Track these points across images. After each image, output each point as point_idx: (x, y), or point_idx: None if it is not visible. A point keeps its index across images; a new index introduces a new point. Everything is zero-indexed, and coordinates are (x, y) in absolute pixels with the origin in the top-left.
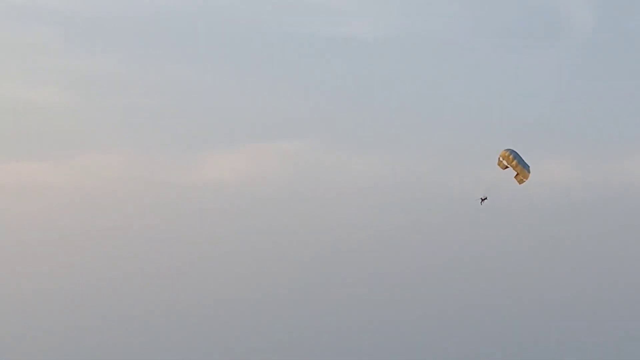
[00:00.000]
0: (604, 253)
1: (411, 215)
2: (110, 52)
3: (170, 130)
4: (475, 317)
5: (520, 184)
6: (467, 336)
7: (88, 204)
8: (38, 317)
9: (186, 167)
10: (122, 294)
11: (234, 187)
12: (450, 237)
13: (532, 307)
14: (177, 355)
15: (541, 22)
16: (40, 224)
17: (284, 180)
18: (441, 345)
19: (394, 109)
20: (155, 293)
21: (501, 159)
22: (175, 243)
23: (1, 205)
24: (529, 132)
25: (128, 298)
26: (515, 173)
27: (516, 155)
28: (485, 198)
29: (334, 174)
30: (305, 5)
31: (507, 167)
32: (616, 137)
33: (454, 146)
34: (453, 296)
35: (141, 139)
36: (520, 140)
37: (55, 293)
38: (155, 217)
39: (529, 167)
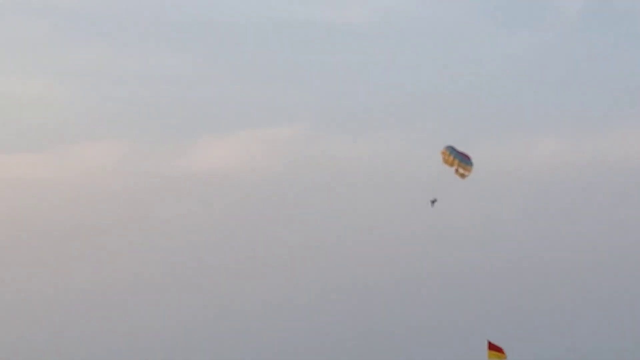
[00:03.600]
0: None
1: (405, 201)
2: (99, 43)
3: (162, 119)
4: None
5: (462, 178)
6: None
7: (80, 195)
8: (30, 317)
9: (178, 155)
10: (118, 288)
11: (226, 174)
12: (444, 220)
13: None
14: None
15: (527, 6)
16: (33, 217)
17: (276, 165)
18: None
19: (387, 94)
20: (151, 286)
21: (443, 157)
22: (171, 233)
23: None
24: (519, 113)
25: (123, 292)
26: (455, 169)
27: (452, 151)
28: (435, 200)
29: (327, 159)
30: None
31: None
32: (605, 114)
33: (450, 130)
34: (449, 286)
35: (133, 129)
36: (512, 120)
37: (49, 291)
38: (148, 207)
39: (469, 160)
